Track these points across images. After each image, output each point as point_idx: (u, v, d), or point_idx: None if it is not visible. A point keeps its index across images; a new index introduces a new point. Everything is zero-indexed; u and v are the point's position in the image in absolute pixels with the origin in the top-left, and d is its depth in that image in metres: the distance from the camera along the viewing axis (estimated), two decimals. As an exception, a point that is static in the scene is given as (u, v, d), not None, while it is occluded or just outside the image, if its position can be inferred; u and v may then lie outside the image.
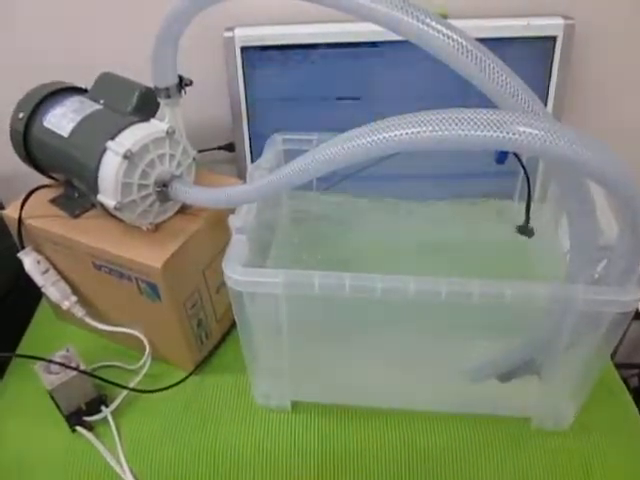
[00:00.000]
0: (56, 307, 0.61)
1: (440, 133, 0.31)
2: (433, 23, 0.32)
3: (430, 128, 0.31)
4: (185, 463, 0.54)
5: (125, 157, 0.47)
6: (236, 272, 0.44)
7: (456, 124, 0.31)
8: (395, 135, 0.32)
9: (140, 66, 0.51)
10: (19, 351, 0.65)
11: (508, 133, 0.31)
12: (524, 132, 0.31)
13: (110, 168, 0.48)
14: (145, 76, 0.52)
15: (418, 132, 0.32)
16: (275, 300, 0.45)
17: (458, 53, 0.32)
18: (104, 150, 0.48)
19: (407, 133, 0.32)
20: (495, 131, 0.31)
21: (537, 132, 0.31)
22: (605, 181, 0.32)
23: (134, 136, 0.49)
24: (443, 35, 0.32)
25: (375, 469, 0.53)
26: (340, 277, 0.43)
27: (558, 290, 0.42)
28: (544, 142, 0.31)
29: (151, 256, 0.51)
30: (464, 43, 0.32)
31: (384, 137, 0.33)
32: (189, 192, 0.49)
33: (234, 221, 0.48)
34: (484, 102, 0.34)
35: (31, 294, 0.62)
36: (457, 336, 0.49)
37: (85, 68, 0.56)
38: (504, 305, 0.42)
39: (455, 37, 0.32)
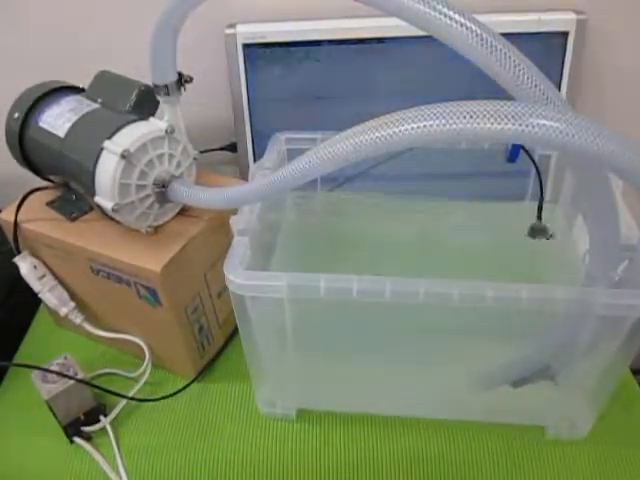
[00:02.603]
0: (54, 313, 0.59)
1: (453, 127, 0.29)
2: (449, 12, 0.31)
3: (443, 121, 0.29)
4: (186, 474, 0.52)
5: (122, 157, 0.46)
6: (238, 275, 0.42)
7: (470, 117, 0.29)
8: (405, 129, 0.30)
9: (139, 64, 0.49)
10: (17, 358, 0.64)
11: (527, 126, 0.29)
12: (544, 125, 0.29)
13: (107, 169, 0.47)
14: (145, 75, 0.51)
15: (430, 126, 0.30)
16: (279, 304, 0.43)
17: (473, 42, 0.31)
18: (101, 150, 0.47)
19: (418, 127, 0.30)
20: (513, 124, 0.29)
21: (557, 125, 0.29)
22: (633, 177, 0.30)
23: (132, 135, 0.47)
24: (456, 23, 0.31)
25: (384, 479, 0.51)
26: (347, 280, 0.41)
27: (576, 293, 0.40)
28: (565, 135, 0.29)
29: (150, 260, 0.49)
30: (478, 31, 0.31)
31: (393, 132, 0.31)
32: (189, 193, 0.48)
33: (236, 223, 0.46)
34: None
35: (30, 300, 0.60)
36: (469, 341, 0.47)
37: (83, 67, 0.54)
38: (519, 309, 0.40)
39: (468, 25, 0.31)
